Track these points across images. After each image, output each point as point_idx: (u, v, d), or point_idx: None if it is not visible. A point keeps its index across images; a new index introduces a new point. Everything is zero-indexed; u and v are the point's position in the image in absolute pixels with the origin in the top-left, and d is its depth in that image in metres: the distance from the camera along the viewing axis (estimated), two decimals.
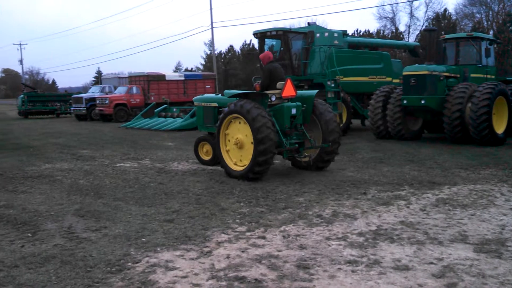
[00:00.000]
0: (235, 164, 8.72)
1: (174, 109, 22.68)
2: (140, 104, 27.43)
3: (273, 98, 8.77)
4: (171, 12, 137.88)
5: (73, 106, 29.87)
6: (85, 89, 61.56)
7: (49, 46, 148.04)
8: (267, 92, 8.90)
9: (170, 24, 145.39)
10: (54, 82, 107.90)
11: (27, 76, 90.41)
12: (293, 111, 8.75)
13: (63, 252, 4.72)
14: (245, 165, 8.44)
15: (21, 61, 78.78)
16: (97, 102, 27.61)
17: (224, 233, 5.35)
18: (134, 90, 27.90)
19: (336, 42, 17.02)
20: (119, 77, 34.42)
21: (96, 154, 12.33)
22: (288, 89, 8.74)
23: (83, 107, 28.69)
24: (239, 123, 8.54)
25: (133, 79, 30.43)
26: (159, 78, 29.21)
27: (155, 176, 8.99)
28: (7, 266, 4.36)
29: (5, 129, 23.00)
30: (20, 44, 77.94)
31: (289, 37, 16.46)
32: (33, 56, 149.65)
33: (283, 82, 8.83)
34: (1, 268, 4.33)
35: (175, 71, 55.91)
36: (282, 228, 5.49)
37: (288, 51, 16.51)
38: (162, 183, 8.27)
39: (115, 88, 30.64)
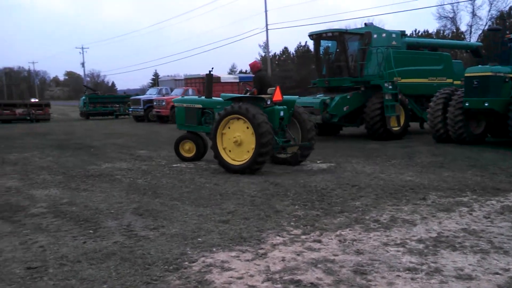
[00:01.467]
0: (233, 160, 9.61)
1: None
2: None
3: (268, 102, 9.80)
4: (226, 15, 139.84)
5: (131, 107, 30.80)
6: (142, 91, 63.40)
7: (109, 49, 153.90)
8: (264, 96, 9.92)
9: (225, 26, 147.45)
10: (113, 84, 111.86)
11: (88, 79, 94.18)
12: (282, 113, 9.93)
13: (122, 249, 4.84)
14: (243, 160, 9.42)
15: (83, 64, 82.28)
16: (154, 103, 28.33)
17: (279, 235, 5.32)
18: (190, 91, 28.41)
19: (394, 43, 16.64)
20: (176, 79, 35.20)
21: (153, 154, 12.64)
22: (278, 94, 9.78)
23: (141, 109, 29.51)
24: (238, 123, 9.49)
25: (188, 81, 31.05)
26: (214, 80, 29.59)
27: (210, 177, 9.10)
28: (70, 261, 4.53)
29: (68, 129, 24.02)
30: (82, 48, 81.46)
31: (345, 38, 16.26)
32: (94, 59, 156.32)
33: (273, 88, 9.93)
34: (65, 262, 4.49)
35: (229, 73, 56.58)
36: (338, 232, 5.40)
37: (344, 52, 16.30)
38: (217, 184, 8.36)
39: (172, 90, 31.35)
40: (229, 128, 9.63)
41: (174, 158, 11.75)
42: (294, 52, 65.02)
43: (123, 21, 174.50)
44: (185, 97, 12.71)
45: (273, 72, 47.15)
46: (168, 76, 39.30)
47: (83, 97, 37.09)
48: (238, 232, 5.41)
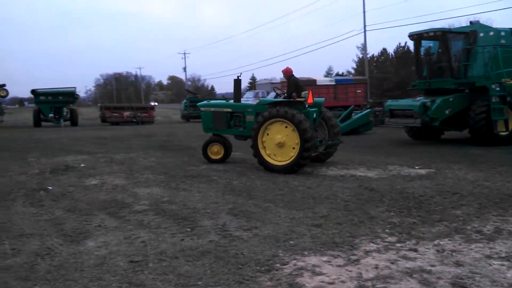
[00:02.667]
0: (274, 160, 10.22)
1: None
2: None
3: (307, 105, 10.43)
4: (323, 17, 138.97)
5: None
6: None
7: (209, 54, 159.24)
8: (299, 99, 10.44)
9: (322, 28, 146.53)
10: (212, 88, 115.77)
11: (189, 83, 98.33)
12: (314, 115, 10.69)
13: (217, 248, 5.01)
14: (284, 161, 10.06)
15: (184, 69, 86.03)
16: None
17: (372, 242, 5.20)
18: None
19: (502, 41, 15.51)
20: (272, 83, 35.59)
21: (248, 156, 12.86)
22: (310, 98, 10.54)
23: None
24: (279, 125, 10.12)
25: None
26: (310, 83, 29.51)
27: (303, 180, 9.10)
28: (169, 257, 4.77)
29: (169, 131, 25.25)
30: (184, 53, 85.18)
31: (448, 37, 15.48)
32: (195, 63, 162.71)
33: (306, 92, 10.60)
34: (164, 258, 4.74)
35: (326, 76, 56.17)
36: (436, 242, 5.16)
37: (447, 52, 15.52)
38: (310, 187, 8.34)
39: (268, 93, 31.77)
40: (269, 130, 10.25)
41: None
42: (393, 53, 62.95)
43: (223, 27, 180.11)
44: (212, 101, 12.96)
45: (370, 74, 46.04)
46: (265, 79, 39.89)
47: (184, 101, 38.77)
48: (331, 237, 5.37)
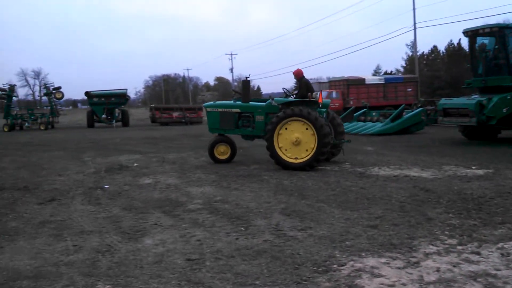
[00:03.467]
0: (290, 158, 10.51)
1: (374, 113, 22.40)
2: (339, 108, 27.74)
3: (320, 105, 10.98)
4: (371, 16, 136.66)
5: None
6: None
7: (256, 54, 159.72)
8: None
9: (370, 27, 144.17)
10: (259, 88, 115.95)
11: (236, 83, 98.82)
12: (324, 115, 11.11)
13: (272, 248, 4.99)
14: (302, 158, 10.39)
15: (231, 70, 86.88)
16: None
17: (432, 244, 5.04)
18: (334, 94, 28.35)
19: None
20: (319, 82, 35.37)
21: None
22: (320, 99, 11.02)
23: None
24: (295, 124, 10.47)
25: (332, 83, 30.96)
26: (359, 82, 29.17)
27: (356, 180, 8.97)
28: (225, 256, 4.79)
29: None
30: (231, 54, 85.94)
31: (506, 33, 14.89)
32: (242, 64, 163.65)
33: (317, 93, 11.30)
34: (220, 257, 4.77)
35: (373, 75, 55.22)
36: (499, 245, 4.95)
37: (504, 49, 14.94)
38: (363, 187, 8.20)
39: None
40: (285, 129, 10.56)
41: None
42: (444, 51, 61.20)
43: (270, 27, 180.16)
44: (218, 102, 13.04)
45: (420, 72, 44.87)
46: (312, 79, 39.63)
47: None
48: (388, 238, 5.25)
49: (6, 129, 33.37)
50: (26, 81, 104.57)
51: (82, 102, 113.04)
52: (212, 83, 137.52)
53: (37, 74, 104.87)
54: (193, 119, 35.16)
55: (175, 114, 34.86)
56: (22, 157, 14.77)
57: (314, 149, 10.30)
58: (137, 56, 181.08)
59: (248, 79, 11.91)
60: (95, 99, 35.50)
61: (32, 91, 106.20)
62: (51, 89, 36.43)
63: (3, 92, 35.25)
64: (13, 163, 13.33)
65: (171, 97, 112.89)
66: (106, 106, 35.28)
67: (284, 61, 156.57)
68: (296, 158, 10.48)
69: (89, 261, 4.73)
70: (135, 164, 12.11)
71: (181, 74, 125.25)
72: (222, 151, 11.94)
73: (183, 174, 10.25)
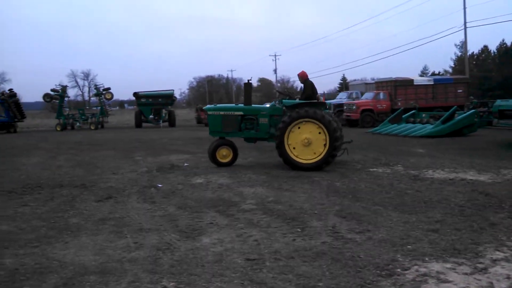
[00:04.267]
0: (300, 158, 10.69)
1: (423, 115, 21.89)
2: (387, 109, 27.28)
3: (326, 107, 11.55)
4: (418, 16, 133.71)
5: None
6: (330, 95, 64.00)
7: (299, 55, 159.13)
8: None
9: (417, 27, 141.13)
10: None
11: (279, 84, 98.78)
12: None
13: (331, 250, 4.94)
14: (311, 159, 10.64)
15: (275, 71, 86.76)
16: (345, 108, 28.46)
17: (498, 250, 4.85)
18: (381, 95, 27.87)
19: None
20: (366, 83, 34.88)
21: (347, 158, 12.66)
22: (324, 100, 11.29)
23: (331, 113, 29.87)
24: (306, 125, 10.68)
25: (379, 84, 30.44)
26: (407, 83, 28.57)
27: (410, 183, 8.77)
28: (284, 257, 4.77)
29: None
30: (275, 55, 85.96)
31: None
32: (285, 65, 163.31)
33: (320, 94, 11.69)
34: (279, 257, 4.75)
35: (421, 75, 54.00)
36: None
37: None
38: (419, 190, 8.01)
39: (362, 94, 31.12)
40: (295, 130, 10.70)
41: (370, 162, 11.63)
42: (496, 51, 59.08)
43: (313, 28, 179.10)
44: (219, 105, 12.95)
45: (470, 72, 43.50)
46: (359, 80, 39.23)
47: (272, 102, 39.08)
48: (451, 243, 5.09)
49: (58, 129, 34.61)
50: (76, 82, 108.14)
51: (128, 102, 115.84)
52: (255, 84, 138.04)
53: (86, 75, 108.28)
54: None
55: None
56: (76, 156, 15.26)
57: (325, 151, 10.55)
58: (182, 57, 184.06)
59: (250, 81, 11.91)
60: (143, 100, 36.29)
61: (82, 91, 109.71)
62: (101, 90, 37.50)
63: (56, 93, 36.57)
64: (68, 161, 13.78)
65: (215, 98, 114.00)
66: (153, 106, 36.00)
67: (328, 62, 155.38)
68: (305, 159, 10.67)
69: (151, 259, 4.82)
70: (186, 164, 12.28)
71: (225, 75, 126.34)
72: (224, 154, 11.73)
73: (233, 174, 10.31)
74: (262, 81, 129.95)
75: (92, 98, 74.36)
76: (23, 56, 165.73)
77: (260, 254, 4.87)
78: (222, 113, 11.88)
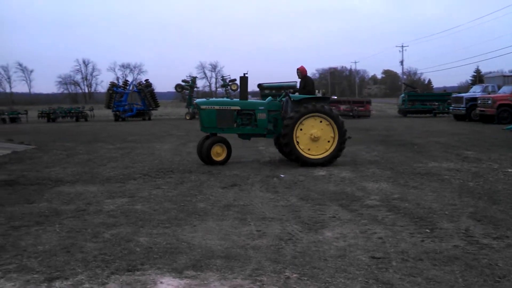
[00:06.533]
0: (309, 154, 10.51)
1: None
2: None
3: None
4: None
5: (452, 106, 29.52)
6: (460, 88, 59.96)
7: (428, 46, 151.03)
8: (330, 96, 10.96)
9: None
10: (429, 82, 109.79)
11: (405, 76, 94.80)
12: None
13: (465, 255, 4.57)
14: (319, 154, 10.56)
15: (401, 62, 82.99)
16: (478, 102, 26.40)
17: None
18: None
19: None
20: (505, 76, 32.03)
21: (482, 156, 11.72)
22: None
23: (463, 107, 27.91)
24: (313, 121, 10.55)
25: None
26: None
27: None
28: (411, 258, 4.52)
29: (387, 126, 24.70)
30: (402, 46, 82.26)
31: None
32: (412, 57, 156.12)
33: (318, 90, 10.13)
34: (406, 258, 4.51)
35: None
36: None
37: None
38: None
39: (499, 87, 28.65)
40: (302, 125, 10.48)
41: (509, 162, 10.64)
42: None
43: (443, 18, 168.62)
44: (213, 99, 12.33)
45: None
46: (491, 72, 36.21)
47: (402, 95, 37.60)
48: None
49: (187, 117, 36.67)
50: (204, 73, 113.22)
51: (252, 94, 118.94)
52: (379, 76, 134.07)
53: (213, 67, 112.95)
54: (361, 112, 34.57)
55: (342, 107, 34.63)
56: None
57: (334, 146, 10.56)
58: (305, 49, 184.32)
59: (246, 75, 11.23)
60: (267, 91, 36.93)
61: (209, 83, 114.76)
62: (227, 81, 38.92)
63: (186, 84, 38.76)
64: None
65: (337, 90, 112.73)
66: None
67: (457, 53, 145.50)
68: (314, 154, 10.54)
69: (274, 248, 4.86)
70: None
71: (348, 67, 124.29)
72: (217, 152, 10.97)
73: (356, 168, 10.08)
74: (387, 73, 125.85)
75: (218, 89, 77.56)
76: (157, 49, 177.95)
77: (386, 253, 4.68)
78: (217, 107, 11.18)
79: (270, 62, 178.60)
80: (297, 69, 11.68)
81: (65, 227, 5.73)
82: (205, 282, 3.97)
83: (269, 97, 11.98)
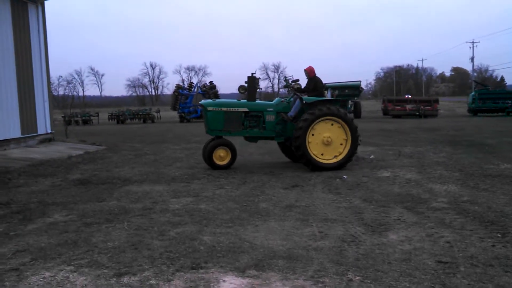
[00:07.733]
0: (320, 158, 10.15)
1: None
2: None
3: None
4: None
5: None
6: None
7: (501, 42, 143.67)
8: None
9: None
10: (502, 79, 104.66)
11: (475, 74, 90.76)
12: None
13: None
14: (331, 159, 10.21)
15: (471, 59, 79.45)
16: None
17: None
18: None
19: None
20: None
21: None
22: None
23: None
24: (328, 124, 10.22)
25: None
26: None
27: None
28: (481, 263, 4.33)
29: (456, 125, 23.77)
30: (472, 42, 78.82)
31: None
32: (484, 53, 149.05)
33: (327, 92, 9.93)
34: (476, 263, 4.33)
35: None
36: None
37: None
38: None
39: None
40: (314, 129, 10.13)
41: None
42: None
43: None
44: (220, 100, 11.47)
45: None
46: None
47: (472, 93, 36.06)
48: None
49: None
50: (267, 74, 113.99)
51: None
52: (447, 73, 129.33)
53: (276, 68, 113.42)
54: (428, 112, 33.47)
55: (408, 106, 33.75)
56: (275, 144, 16.07)
57: (347, 150, 10.23)
58: (369, 47, 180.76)
59: (254, 75, 10.74)
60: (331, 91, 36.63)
61: (272, 83, 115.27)
62: (290, 82, 38.90)
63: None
64: (258, 149, 14.65)
65: (403, 89, 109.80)
66: (340, 97, 36.11)
67: None
68: (326, 159, 10.21)
69: (336, 249, 4.81)
70: (372, 156, 12.05)
71: (414, 65, 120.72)
72: (221, 156, 10.56)
73: (422, 170, 9.78)
74: (456, 70, 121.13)
75: (281, 90, 77.69)
76: (221, 51, 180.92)
77: (453, 258, 4.50)
78: (224, 109, 10.73)
79: (334, 61, 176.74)
80: (305, 69, 11.23)
81: (133, 224, 5.96)
82: (267, 282, 3.99)
83: (277, 98, 11.67)
